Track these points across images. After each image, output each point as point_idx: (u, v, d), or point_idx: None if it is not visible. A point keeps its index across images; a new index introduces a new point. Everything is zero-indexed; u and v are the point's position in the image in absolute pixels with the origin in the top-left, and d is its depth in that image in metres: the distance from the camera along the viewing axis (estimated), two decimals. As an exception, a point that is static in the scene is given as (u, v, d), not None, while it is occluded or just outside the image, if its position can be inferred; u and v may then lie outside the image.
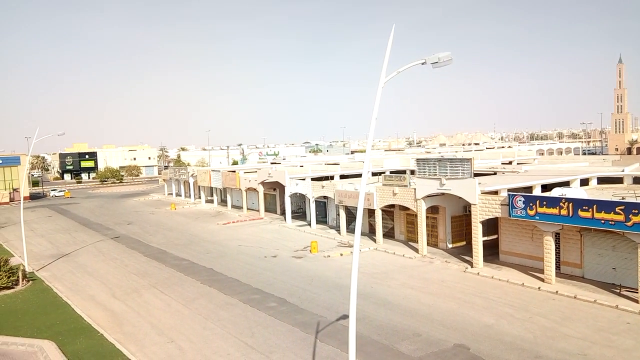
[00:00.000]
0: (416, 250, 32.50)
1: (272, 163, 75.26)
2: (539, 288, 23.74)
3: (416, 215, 32.23)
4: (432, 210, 32.74)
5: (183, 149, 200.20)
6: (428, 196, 31.21)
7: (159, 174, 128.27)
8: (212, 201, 65.98)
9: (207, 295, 25.36)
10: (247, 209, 56.31)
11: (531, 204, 24.32)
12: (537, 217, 24.17)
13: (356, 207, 37.29)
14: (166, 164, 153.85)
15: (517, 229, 28.06)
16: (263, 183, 51.45)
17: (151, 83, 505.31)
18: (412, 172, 36.48)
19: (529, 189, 30.36)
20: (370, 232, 37.63)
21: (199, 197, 68.90)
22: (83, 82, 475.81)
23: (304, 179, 46.68)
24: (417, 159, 33.03)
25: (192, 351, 18.35)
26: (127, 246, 39.73)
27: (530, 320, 19.99)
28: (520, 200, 24.85)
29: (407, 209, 33.83)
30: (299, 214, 50.10)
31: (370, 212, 36.64)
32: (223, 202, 64.66)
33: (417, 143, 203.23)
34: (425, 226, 31.87)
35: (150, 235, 44.20)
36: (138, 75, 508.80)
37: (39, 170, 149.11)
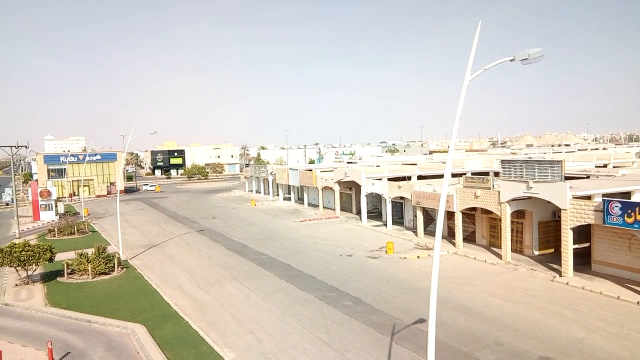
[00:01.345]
0: (499, 256, 31.08)
1: (348, 162, 75.46)
2: (638, 302, 21.77)
3: (500, 219, 30.82)
4: (518, 214, 31.12)
5: (263, 148, 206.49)
6: (513, 200, 29.73)
7: (241, 171, 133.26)
8: (289, 199, 67.46)
9: (285, 289, 25.99)
10: (323, 207, 56.94)
11: (629, 211, 22.34)
12: (637, 226, 22.17)
13: (434, 209, 36.63)
14: (247, 162, 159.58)
15: (612, 238, 25.92)
16: (339, 182, 51.74)
17: (235, 85, 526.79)
18: (496, 174, 34.94)
19: (627, 194, 27.93)
20: (449, 236, 36.53)
21: (277, 195, 70.74)
22: (174, 85, 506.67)
23: (380, 179, 46.33)
24: (502, 160, 31.53)
25: (270, 343, 18.89)
26: (211, 239, 41.75)
27: (627, 337, 18.39)
28: (616, 206, 22.92)
29: (489, 212, 32.44)
30: (375, 214, 49.81)
31: (450, 215, 35.58)
32: (300, 200, 65.88)
33: (501, 143, 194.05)
34: (510, 231, 30.38)
35: (232, 230, 46.09)
36: (224, 78, 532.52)
37: (133, 166, 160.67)
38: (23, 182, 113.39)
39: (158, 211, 63.30)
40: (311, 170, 61.20)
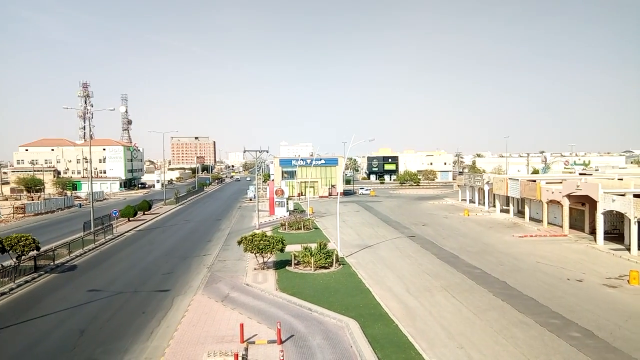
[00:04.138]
0: None
1: (580, 174, 66.44)
2: None
3: None
4: None
5: (478, 155, 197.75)
6: None
7: (454, 179, 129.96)
8: (507, 211, 62.89)
9: (500, 308, 24.25)
10: (548, 223, 51.36)
11: None
12: None
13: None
14: (461, 170, 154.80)
15: None
16: (569, 196, 45.95)
17: (450, 91, 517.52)
18: None
19: None
20: None
21: (494, 206, 66.69)
22: (390, 93, 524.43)
23: (623, 195, 39.47)
24: None
25: (482, 363, 17.82)
26: (421, 246, 41.73)
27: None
28: None
29: None
30: (614, 235, 42.69)
31: None
32: (520, 213, 60.79)
33: None
34: None
35: (443, 239, 45.23)
36: (440, 85, 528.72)
37: (351, 170, 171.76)
38: (263, 182, 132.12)
39: (372, 214, 66.18)
40: (534, 180, 55.90)
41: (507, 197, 62.55)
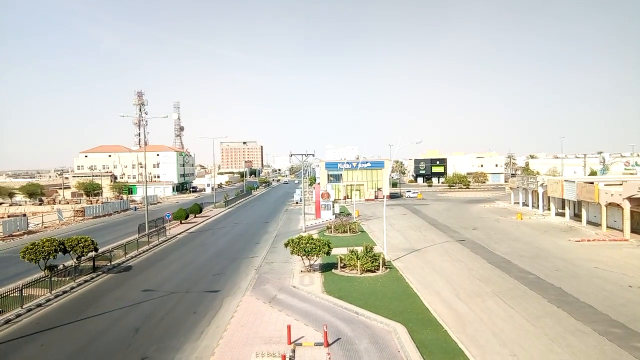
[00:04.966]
0: None
1: (643, 175, 62.77)
2: None
3: None
4: None
5: (532, 157, 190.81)
6: None
7: (505, 181, 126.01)
8: (563, 214, 60.23)
9: (554, 315, 23.22)
10: (607, 227, 48.74)
11: None
12: None
13: None
14: (513, 172, 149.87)
15: None
16: (630, 198, 43.46)
17: (502, 91, 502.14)
18: None
19: None
20: None
21: (548, 209, 64.08)
22: (439, 94, 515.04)
23: (692, 197, 36.92)
24: None
25: (536, 372, 17.11)
26: (471, 250, 40.65)
27: None
28: None
29: None
30: (682, 240, 39.96)
31: None
32: (576, 216, 58.06)
33: None
34: None
35: (495, 243, 43.86)
36: (491, 85, 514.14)
37: (397, 173, 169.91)
38: (309, 185, 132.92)
39: (419, 217, 65.15)
40: (592, 182, 53.25)
41: (563, 200, 59.91)
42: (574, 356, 18.37)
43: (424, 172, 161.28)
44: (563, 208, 60.78)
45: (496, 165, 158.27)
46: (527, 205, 72.69)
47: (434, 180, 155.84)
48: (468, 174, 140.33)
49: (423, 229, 54.38)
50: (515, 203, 78.29)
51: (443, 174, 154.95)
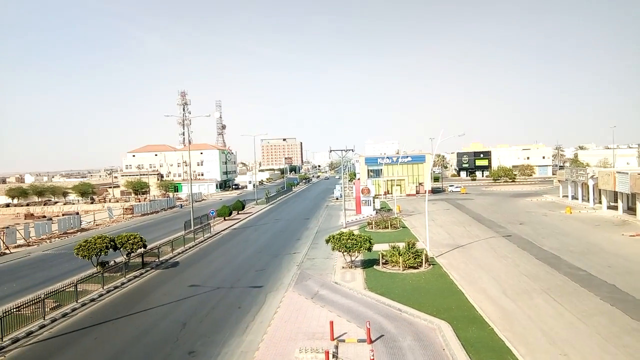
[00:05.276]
0: None
1: None
2: None
3: None
4: None
5: (581, 148, 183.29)
6: None
7: (553, 174, 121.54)
8: (615, 207, 57.54)
9: (608, 314, 22.23)
10: (665, 220, 46.20)
11: None
12: None
13: None
14: (561, 164, 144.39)
15: None
16: (691, 190, 40.95)
17: (533, 79, 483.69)
18: None
19: None
20: None
21: (599, 202, 61.37)
22: (480, 85, 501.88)
23: None
24: None
25: (589, 373, 16.46)
26: (518, 246, 39.48)
27: None
28: None
29: None
30: None
31: None
32: (630, 210, 55.31)
33: None
34: None
35: (543, 238, 42.41)
36: (533, 71, 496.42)
37: (439, 167, 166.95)
38: (348, 181, 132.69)
39: (463, 212, 63.82)
40: (647, 174, 50.51)
41: (615, 193, 57.19)
42: (631, 357, 17.54)
43: (467, 165, 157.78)
44: (615, 201, 58.04)
45: (543, 158, 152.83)
46: (577, 199, 69.88)
47: (478, 174, 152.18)
48: (513, 166, 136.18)
49: (467, 224, 53.24)
50: (564, 196, 75.45)
51: (487, 168, 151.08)
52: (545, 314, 22.58)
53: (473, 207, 70.01)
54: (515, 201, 76.23)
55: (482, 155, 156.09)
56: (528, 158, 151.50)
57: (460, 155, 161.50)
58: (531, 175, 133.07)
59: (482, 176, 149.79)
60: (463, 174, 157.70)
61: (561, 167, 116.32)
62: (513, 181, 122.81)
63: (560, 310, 23.10)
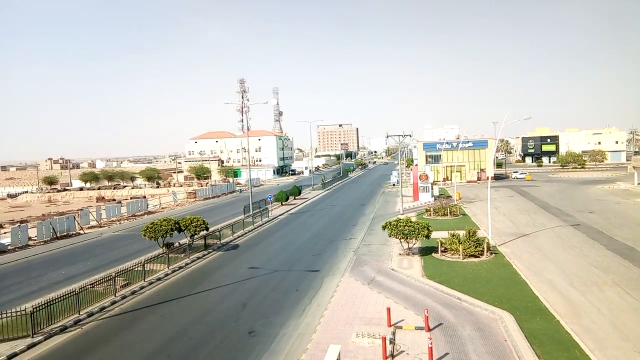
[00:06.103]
0: None
1: None
2: None
3: None
4: None
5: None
6: None
7: (627, 160, 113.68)
8: (700, 197, 52.98)
9: (691, 311, 20.60)
10: None
11: None
12: None
13: None
14: (637, 150, 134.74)
15: None
16: None
17: (603, 60, 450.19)
18: None
19: None
20: None
21: (682, 191, 56.73)
22: (552, 67, 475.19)
23: None
24: None
25: (667, 373, 15.36)
26: (587, 235, 37.34)
27: None
28: None
29: None
30: None
31: None
32: None
33: None
34: None
35: (615, 228, 39.85)
36: (603, 52, 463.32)
37: (503, 153, 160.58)
38: (406, 167, 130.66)
39: (527, 200, 61.14)
40: None
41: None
42: None
43: (532, 151, 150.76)
44: (701, 189, 53.45)
45: (616, 142, 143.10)
46: (655, 187, 65.04)
47: (544, 159, 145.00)
48: (583, 152, 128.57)
49: (532, 212, 50.97)
50: (639, 184, 70.42)
51: (554, 153, 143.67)
52: (617, 308, 21.25)
53: (539, 194, 66.89)
54: (584, 188, 72.07)
55: (549, 140, 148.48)
56: (599, 143, 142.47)
57: (525, 140, 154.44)
58: (602, 161, 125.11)
59: (549, 162, 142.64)
60: (528, 159, 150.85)
61: (636, 153, 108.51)
62: (582, 167, 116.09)
63: (634, 304, 21.66)
